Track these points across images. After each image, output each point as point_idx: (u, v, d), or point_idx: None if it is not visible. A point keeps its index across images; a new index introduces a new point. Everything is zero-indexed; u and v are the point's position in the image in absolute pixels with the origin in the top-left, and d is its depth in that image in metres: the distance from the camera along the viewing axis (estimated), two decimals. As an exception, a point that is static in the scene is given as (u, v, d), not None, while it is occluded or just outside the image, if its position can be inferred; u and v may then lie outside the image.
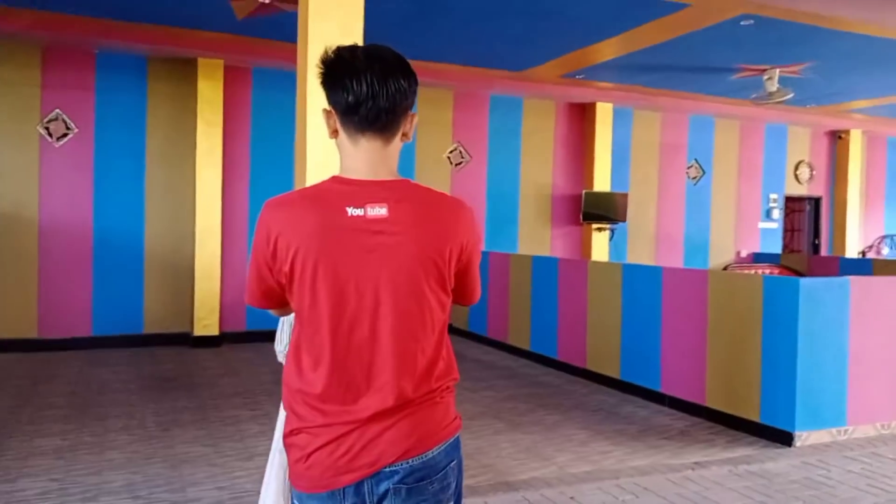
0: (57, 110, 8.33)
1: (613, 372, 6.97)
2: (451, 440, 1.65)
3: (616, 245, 10.98)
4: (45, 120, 8.28)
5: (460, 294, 1.73)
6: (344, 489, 1.56)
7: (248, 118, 9.10)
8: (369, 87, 1.52)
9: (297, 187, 4.71)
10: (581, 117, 10.87)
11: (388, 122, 1.57)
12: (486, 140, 10.32)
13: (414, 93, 1.60)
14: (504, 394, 6.72)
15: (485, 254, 9.41)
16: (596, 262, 7.51)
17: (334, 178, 1.59)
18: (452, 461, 1.65)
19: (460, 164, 10.16)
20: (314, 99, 4.20)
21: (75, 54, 8.35)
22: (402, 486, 1.56)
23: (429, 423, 1.60)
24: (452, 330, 9.86)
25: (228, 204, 8.95)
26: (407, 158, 9.78)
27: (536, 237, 10.60)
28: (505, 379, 7.38)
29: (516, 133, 10.49)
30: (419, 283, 1.57)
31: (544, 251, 10.54)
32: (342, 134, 1.60)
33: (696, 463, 4.88)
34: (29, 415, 5.65)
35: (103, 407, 5.93)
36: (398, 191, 1.58)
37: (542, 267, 8.17)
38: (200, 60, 8.65)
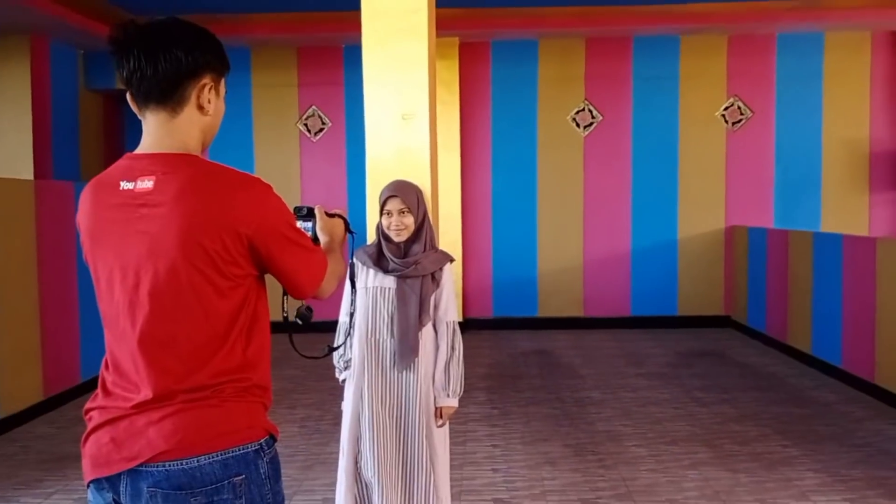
0: (313, 107, 8.74)
1: (909, 392, 5.01)
2: (234, 452, 1.49)
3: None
4: (304, 117, 8.76)
5: (283, 284, 1.65)
6: (103, 480, 1.50)
7: (488, 96, 8.59)
8: (136, 62, 1.50)
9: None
10: (912, 48, 8.20)
11: (164, 96, 1.53)
12: (773, 90, 8.31)
13: (198, 63, 1.54)
14: (742, 411, 5.22)
15: (762, 231, 7.61)
16: (886, 241, 5.45)
17: (125, 155, 1.57)
18: (236, 476, 1.48)
19: (739, 122, 8.35)
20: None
21: (325, 51, 8.65)
22: (157, 489, 1.46)
23: (198, 425, 1.48)
24: (728, 323, 8.23)
25: (468, 188, 8.56)
26: (669, 120, 8.34)
27: (848, 208, 8.26)
28: (758, 391, 5.78)
29: (816, 77, 8.27)
30: (181, 263, 1.47)
31: (860, 227, 8.18)
32: None
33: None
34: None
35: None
36: (172, 164, 1.51)
37: (824, 247, 6.27)
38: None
